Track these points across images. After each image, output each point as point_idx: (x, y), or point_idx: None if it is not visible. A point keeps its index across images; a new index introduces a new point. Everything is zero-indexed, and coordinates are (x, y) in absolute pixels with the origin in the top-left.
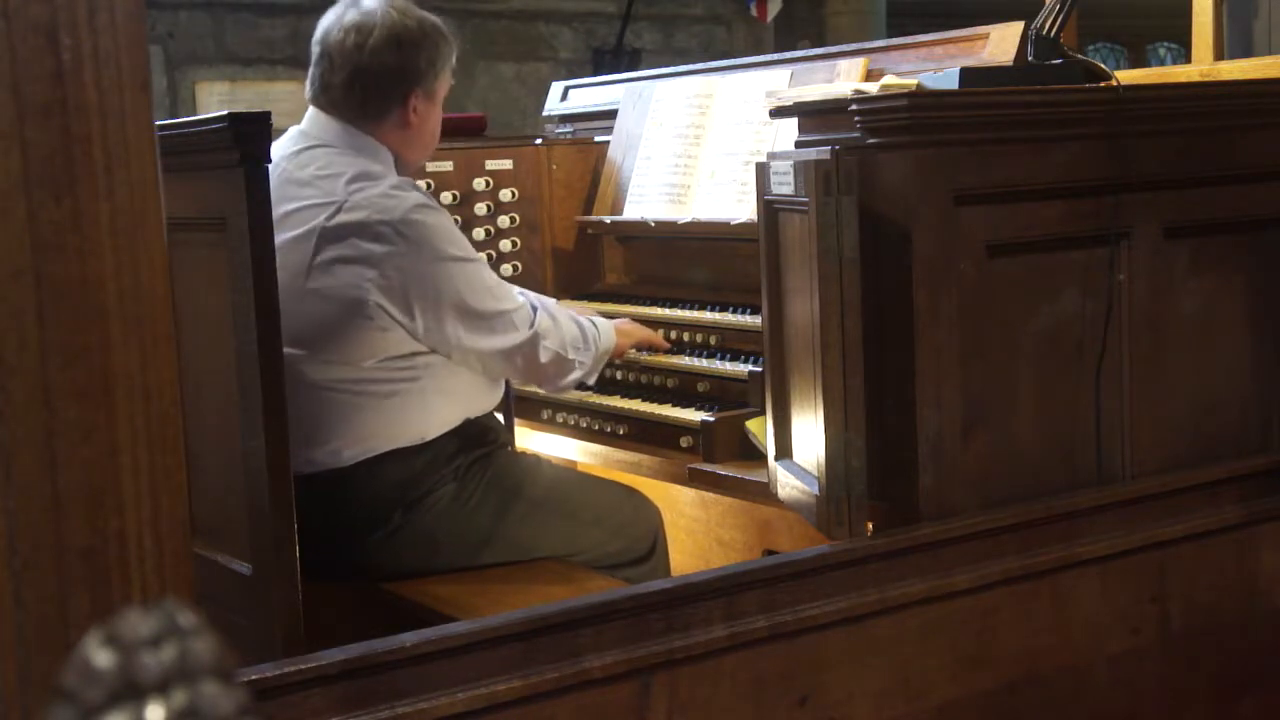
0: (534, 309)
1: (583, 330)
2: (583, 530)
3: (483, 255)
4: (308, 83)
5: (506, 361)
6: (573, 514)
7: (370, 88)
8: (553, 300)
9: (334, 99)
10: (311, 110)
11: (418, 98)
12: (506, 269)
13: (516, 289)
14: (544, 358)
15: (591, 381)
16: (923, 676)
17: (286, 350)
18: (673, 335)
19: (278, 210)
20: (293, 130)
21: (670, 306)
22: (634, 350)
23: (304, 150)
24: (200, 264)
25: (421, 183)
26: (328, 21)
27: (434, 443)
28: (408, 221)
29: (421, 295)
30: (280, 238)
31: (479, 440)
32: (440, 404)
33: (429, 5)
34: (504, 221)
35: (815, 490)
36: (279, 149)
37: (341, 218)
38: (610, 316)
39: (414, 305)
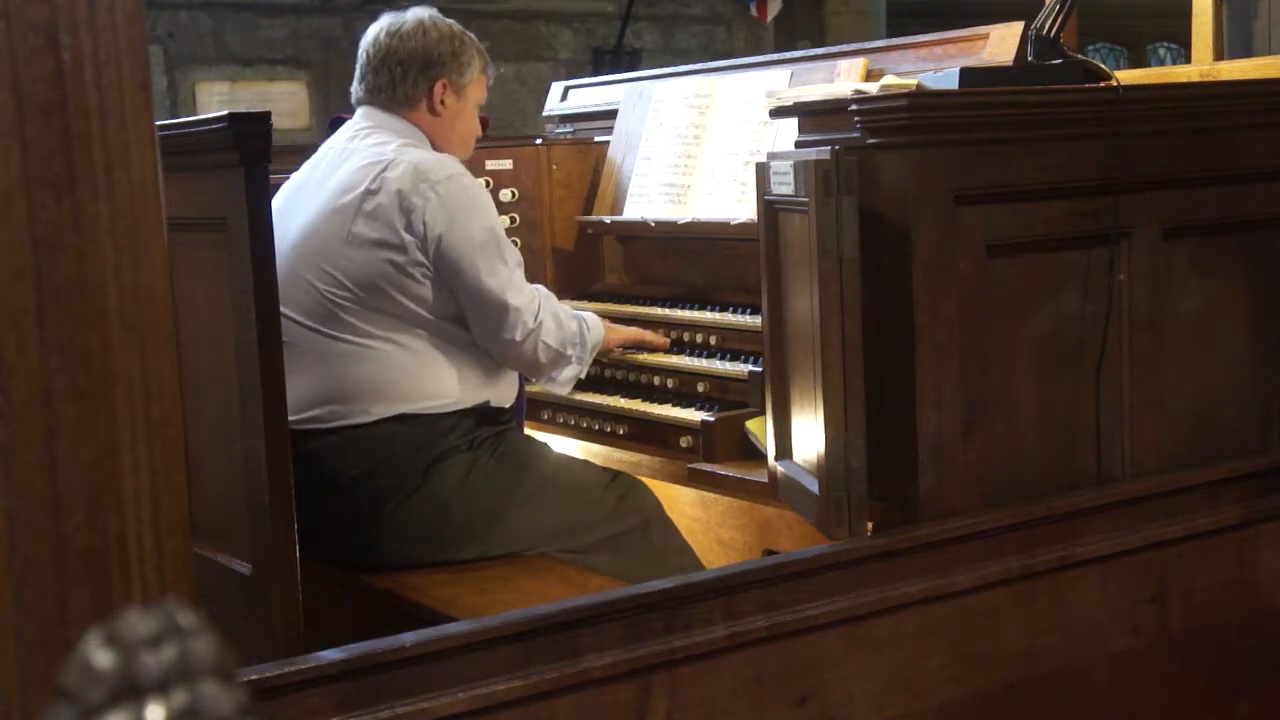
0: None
1: (579, 327)
2: (582, 509)
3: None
4: (353, 87)
5: (510, 334)
6: (572, 492)
7: (396, 71)
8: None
9: (369, 87)
10: (357, 110)
11: (444, 89)
12: None
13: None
14: (543, 356)
15: (582, 375)
16: (923, 676)
17: (335, 293)
18: (673, 335)
19: (331, 175)
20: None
21: (670, 306)
22: (622, 349)
23: (356, 134)
24: (200, 264)
25: None
26: (371, 29)
27: (454, 413)
28: (448, 179)
29: (452, 244)
30: (331, 192)
31: (494, 418)
32: (467, 372)
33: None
34: (504, 222)
35: (815, 490)
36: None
37: (387, 174)
38: (611, 317)
39: (445, 252)
